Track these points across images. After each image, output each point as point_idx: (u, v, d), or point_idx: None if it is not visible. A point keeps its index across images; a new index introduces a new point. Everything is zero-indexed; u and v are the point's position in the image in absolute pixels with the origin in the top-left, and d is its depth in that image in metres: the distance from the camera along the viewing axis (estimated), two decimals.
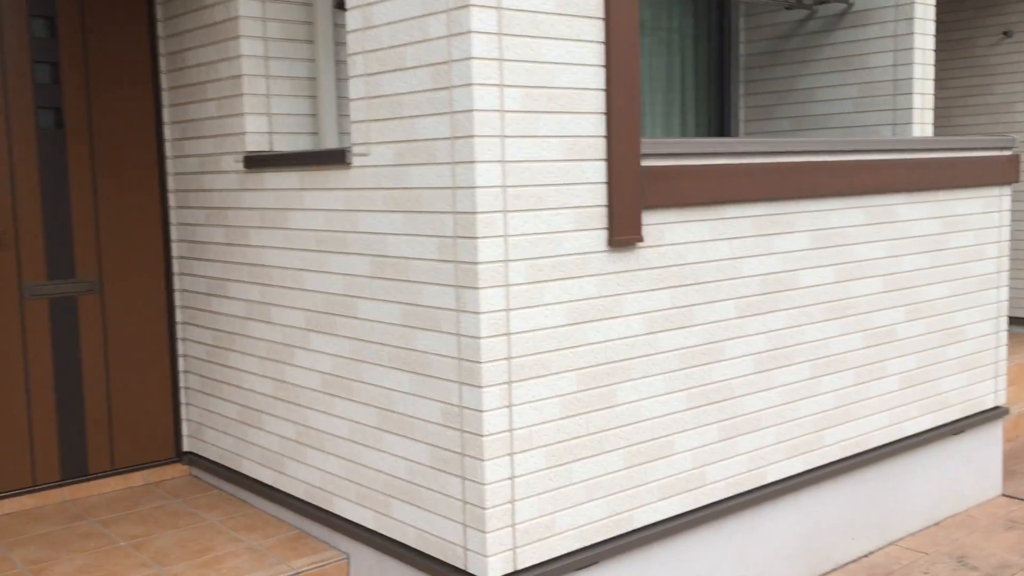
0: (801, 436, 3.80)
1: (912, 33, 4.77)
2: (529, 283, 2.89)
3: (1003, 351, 4.74)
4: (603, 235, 3.07)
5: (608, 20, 3.00)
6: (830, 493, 3.98)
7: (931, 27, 4.83)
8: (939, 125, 7.62)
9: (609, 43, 3.01)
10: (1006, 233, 4.70)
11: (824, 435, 3.90)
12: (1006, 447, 5.53)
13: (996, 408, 4.75)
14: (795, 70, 5.33)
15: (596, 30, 2.99)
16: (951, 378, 4.47)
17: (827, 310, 3.85)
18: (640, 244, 3.17)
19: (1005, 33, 7.17)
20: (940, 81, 7.63)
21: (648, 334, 3.23)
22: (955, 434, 4.53)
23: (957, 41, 7.50)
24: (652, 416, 3.27)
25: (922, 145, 4.18)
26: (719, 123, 5.58)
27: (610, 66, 3.02)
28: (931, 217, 4.28)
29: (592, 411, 3.10)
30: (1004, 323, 4.73)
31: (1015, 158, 4.65)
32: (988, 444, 4.77)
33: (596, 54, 3.00)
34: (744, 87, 5.59)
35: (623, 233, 3.09)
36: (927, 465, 4.44)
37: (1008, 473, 5.10)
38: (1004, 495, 4.81)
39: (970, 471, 4.69)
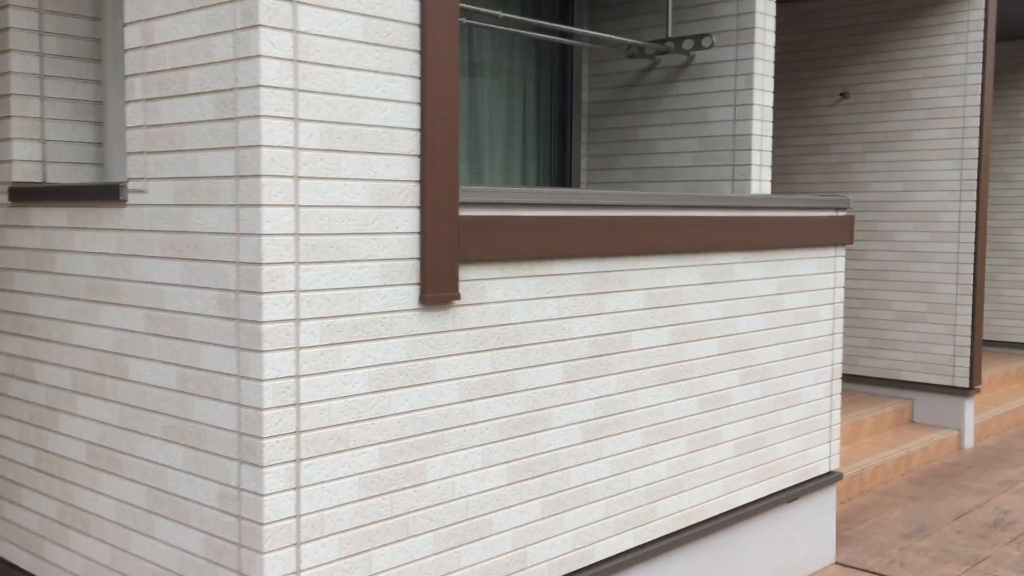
0: (632, 509, 3.55)
1: (751, 89, 4.70)
2: (324, 345, 2.53)
3: (837, 415, 4.66)
4: (414, 291, 2.74)
5: (424, 54, 2.70)
6: (662, 569, 3.74)
7: (770, 84, 4.78)
8: (778, 183, 7.71)
9: (425, 79, 2.71)
10: (840, 295, 4.64)
11: (657, 507, 3.66)
12: (839, 510, 5.48)
13: (830, 473, 4.66)
14: (638, 120, 5.19)
15: (411, 64, 2.68)
16: (786, 443, 4.34)
17: (661, 374, 3.64)
18: (457, 302, 2.86)
19: (842, 94, 7.33)
20: (780, 139, 7.74)
21: (464, 402, 2.91)
22: (790, 501, 4.39)
23: (797, 100, 7.63)
24: (467, 493, 2.94)
25: (760, 203, 4.06)
26: (561, 172, 5.38)
27: (426, 104, 2.72)
28: (767, 277, 4.15)
29: (398, 490, 2.74)
30: (838, 386, 4.66)
31: (849, 219, 4.61)
32: (822, 511, 4.66)
33: (410, 90, 2.69)
34: (587, 135, 5.43)
35: (437, 290, 2.77)
36: (762, 535, 4.28)
37: (841, 539, 5.02)
38: (837, 563, 4.71)
39: (804, 539, 4.56)
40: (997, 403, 7.72)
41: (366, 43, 2.58)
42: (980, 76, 6.70)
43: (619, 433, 3.47)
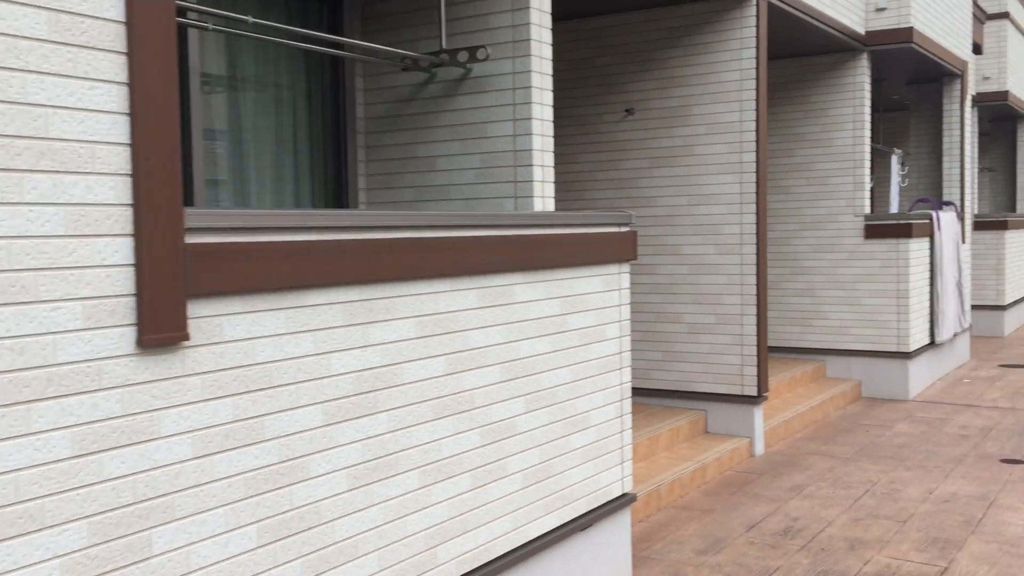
0: (409, 558, 3.25)
1: (530, 103, 4.54)
2: (7, 406, 2.09)
3: (628, 435, 4.55)
4: (130, 334, 2.34)
5: (133, 56, 2.32)
6: None
7: (549, 98, 4.64)
8: (571, 199, 7.67)
9: (135, 86, 2.33)
10: (626, 312, 4.55)
11: (438, 552, 3.38)
12: (637, 530, 5.40)
13: (624, 495, 4.54)
14: (417, 136, 4.94)
15: (115, 68, 2.29)
16: (577, 469, 4.18)
17: (438, 407, 3.37)
18: (187, 343, 2.48)
19: (627, 111, 7.38)
20: (571, 156, 7.71)
21: (200, 458, 2.52)
22: (583, 529, 4.23)
23: (586, 117, 7.63)
24: (208, 563, 2.55)
25: (539, 221, 3.88)
26: (337, 192, 5.05)
27: (137, 116, 2.33)
28: (550, 297, 3.98)
29: (114, 570, 2.32)
30: (628, 406, 4.55)
31: (632, 234, 4.53)
32: (617, 535, 4.54)
33: (115, 99, 2.30)
34: (365, 153, 5.12)
35: (159, 330, 2.38)
36: (555, 567, 4.09)
37: (638, 560, 4.92)
38: None
39: (600, 566, 4.41)
40: (785, 408, 7.98)
41: (53, 42, 2.17)
42: (754, 92, 6.89)
43: (392, 476, 3.17)
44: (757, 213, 6.94)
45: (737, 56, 6.94)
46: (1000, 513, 5.58)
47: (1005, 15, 13.67)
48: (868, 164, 9.34)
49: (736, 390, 7.07)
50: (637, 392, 7.46)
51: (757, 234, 6.95)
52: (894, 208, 10.87)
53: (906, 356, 9.16)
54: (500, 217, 3.62)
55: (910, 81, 11.41)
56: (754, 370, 6.99)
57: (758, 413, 7.10)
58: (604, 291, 4.36)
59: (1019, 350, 12.36)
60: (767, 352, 7.09)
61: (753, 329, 6.98)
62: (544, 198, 4.63)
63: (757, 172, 6.93)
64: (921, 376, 9.59)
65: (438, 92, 4.86)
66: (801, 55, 9.49)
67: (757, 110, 6.90)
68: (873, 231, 9.22)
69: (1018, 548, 4.99)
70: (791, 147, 9.60)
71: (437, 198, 4.88)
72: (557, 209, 7.70)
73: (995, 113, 15.12)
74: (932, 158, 11.45)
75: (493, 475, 3.65)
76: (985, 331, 13.82)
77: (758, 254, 6.95)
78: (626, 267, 4.54)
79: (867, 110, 9.30)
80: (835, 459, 6.94)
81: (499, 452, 3.68)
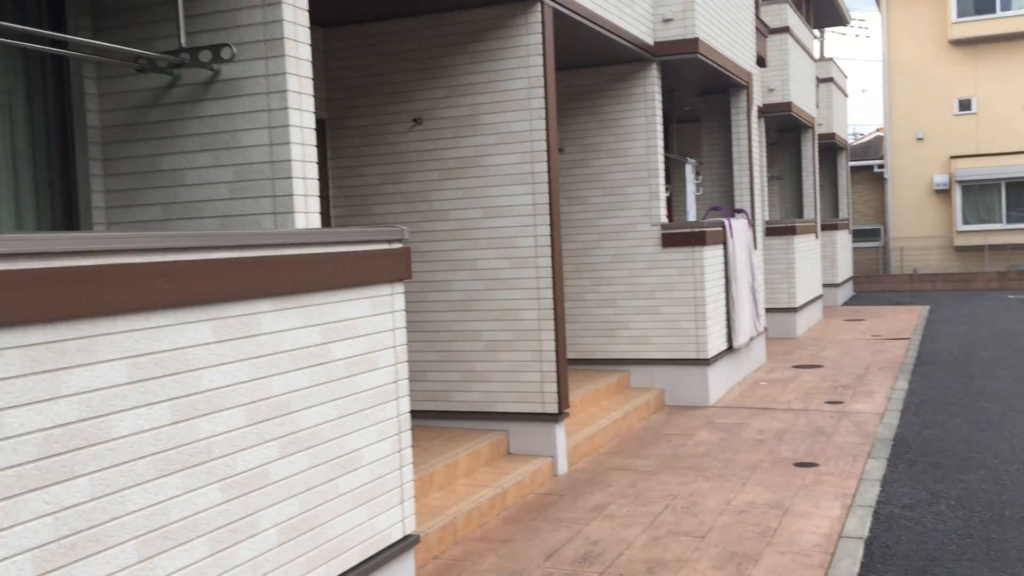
0: None
1: (287, 108, 4.08)
2: None
3: (409, 471, 4.16)
4: None
5: None
6: None
7: (309, 103, 4.20)
8: (356, 215, 7.23)
9: None
10: (402, 336, 4.16)
11: None
12: (429, 569, 5.01)
13: (406, 538, 4.14)
14: (161, 147, 4.37)
15: None
16: (347, 516, 3.74)
17: (162, 462, 2.85)
18: None
19: (415, 120, 7.02)
20: (357, 168, 7.27)
21: None
22: None
23: (372, 127, 7.22)
24: None
25: (290, 239, 3.43)
26: (67, 211, 4.39)
27: None
28: (308, 325, 3.53)
29: None
30: (408, 439, 4.16)
31: (404, 251, 4.15)
32: None
33: None
34: (103, 166, 4.49)
35: None
36: None
37: None
38: None
39: None
40: (588, 423, 7.82)
41: None
42: (543, 100, 6.69)
43: (99, 551, 2.63)
44: (551, 224, 6.73)
45: (524, 63, 6.72)
46: (794, 521, 5.56)
47: (786, 29, 14.31)
48: (662, 173, 9.40)
49: (537, 408, 6.82)
50: (436, 415, 7.09)
51: (552, 246, 6.73)
52: (691, 216, 11.05)
53: (705, 363, 9.25)
54: (236, 236, 3.14)
55: (700, 92, 11.67)
56: (554, 387, 6.77)
57: (560, 431, 6.87)
58: (374, 315, 3.95)
59: (810, 350, 12.88)
60: (567, 367, 6.89)
61: (552, 344, 6.75)
62: (308, 213, 4.18)
63: (549, 183, 6.72)
64: (720, 382, 9.73)
65: (184, 97, 4.31)
66: (593, 65, 9.45)
67: (547, 119, 6.69)
68: (670, 240, 9.27)
69: (811, 558, 4.94)
70: (587, 157, 9.54)
71: (187, 216, 4.33)
72: (339, 226, 7.23)
73: (781, 123, 15.82)
74: (724, 167, 11.74)
75: (240, 534, 3.15)
76: (779, 333, 14.37)
77: (553, 267, 6.74)
78: (400, 287, 4.15)
79: (659, 120, 9.35)
80: (637, 473, 6.81)
81: (247, 507, 3.19)
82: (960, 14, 24.11)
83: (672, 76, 10.20)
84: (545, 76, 6.67)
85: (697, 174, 11.81)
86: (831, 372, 10.99)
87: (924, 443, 7.51)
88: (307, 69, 4.18)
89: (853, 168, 25.54)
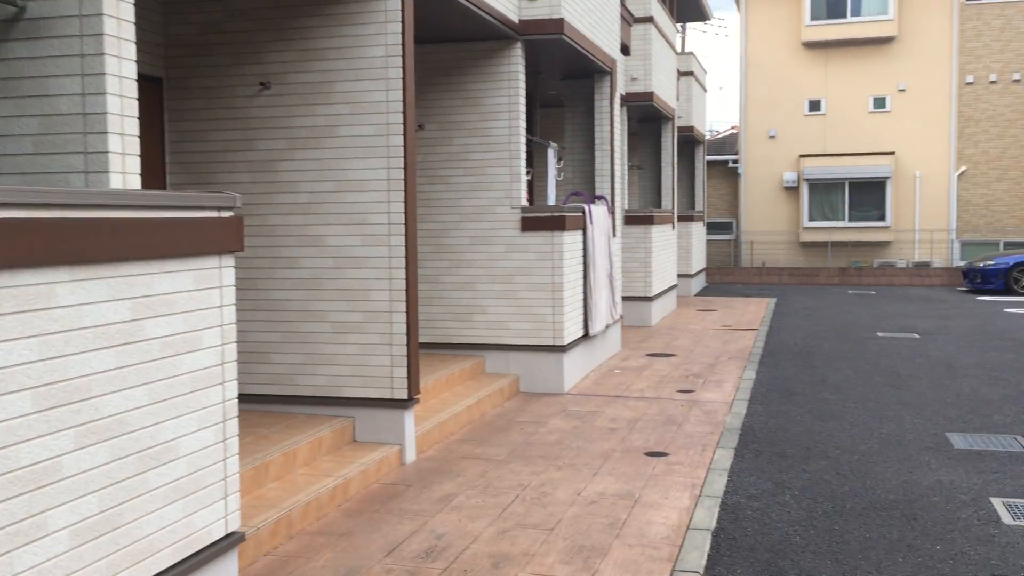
0: None
1: (103, 54, 3.62)
2: None
3: (234, 463, 3.78)
4: None
5: None
6: None
7: (131, 50, 3.74)
8: (201, 183, 6.71)
9: None
10: (230, 314, 3.77)
11: None
12: (259, 566, 4.63)
13: (229, 536, 3.76)
14: None
15: None
16: (158, 514, 3.34)
17: None
18: None
19: (263, 84, 6.55)
20: (201, 133, 6.74)
21: None
22: None
23: (216, 89, 6.70)
24: None
25: (91, 200, 3.00)
26: None
27: None
28: (115, 299, 3.11)
29: None
30: (234, 427, 3.78)
31: (236, 221, 3.76)
32: None
33: None
34: None
35: None
36: None
37: None
38: None
39: None
40: (440, 409, 7.56)
41: None
42: (401, 70, 6.35)
43: None
44: (406, 202, 6.41)
45: (382, 30, 6.36)
46: (644, 512, 5.46)
47: (650, 19, 14.39)
48: (524, 155, 9.20)
49: (386, 393, 6.51)
50: (279, 400, 6.67)
51: (406, 224, 6.42)
52: (551, 201, 10.92)
53: (561, 350, 9.13)
54: (22, 193, 2.70)
55: (565, 76, 11.55)
56: (404, 371, 6.47)
57: (409, 418, 6.58)
58: (197, 290, 3.55)
59: (664, 339, 13.03)
60: (419, 352, 6.60)
61: (403, 328, 6.45)
62: (126, 174, 3.72)
63: (405, 157, 6.39)
64: (576, 369, 9.65)
65: None
66: (457, 40, 9.15)
67: (404, 90, 6.36)
68: (529, 224, 9.10)
69: (659, 551, 4.83)
70: (449, 135, 9.25)
71: None
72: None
73: (643, 113, 15.94)
74: (586, 153, 11.68)
75: (23, 538, 2.73)
76: (635, 321, 14.50)
77: (407, 246, 6.43)
78: (229, 260, 3.76)
79: (522, 100, 9.15)
80: (488, 462, 6.60)
81: (32, 506, 2.76)
82: (813, 18, 25.04)
83: (537, 57, 10.02)
84: (403, 45, 6.34)
85: (559, 159, 11.71)
86: (683, 361, 11.11)
87: (770, 432, 7.61)
88: (128, 12, 3.71)
89: (709, 162, 26.22)
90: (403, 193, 6.40)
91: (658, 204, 17.23)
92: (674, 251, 16.91)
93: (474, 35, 8.93)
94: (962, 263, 23.75)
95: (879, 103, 24.92)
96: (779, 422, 8.01)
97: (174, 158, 6.81)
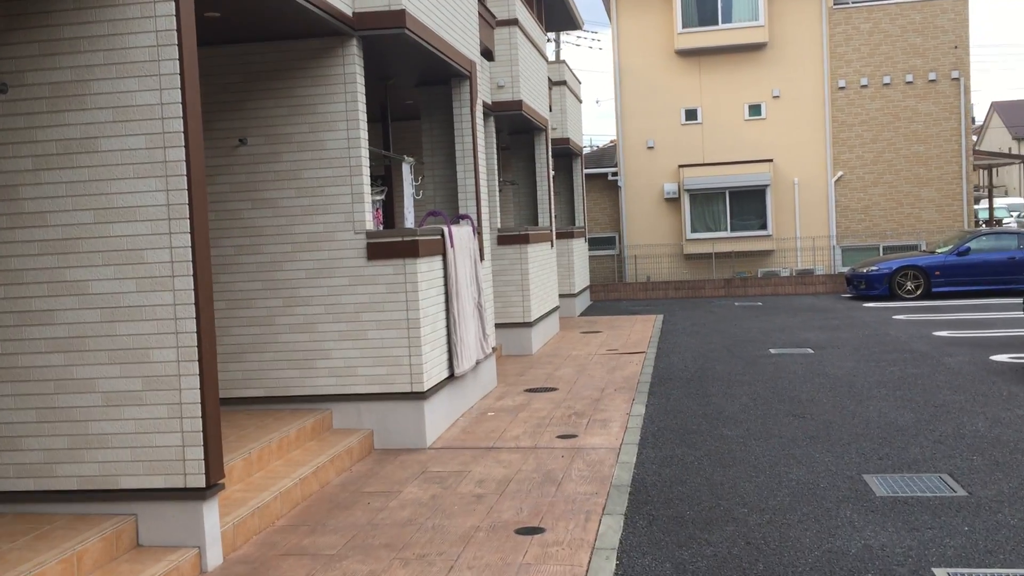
0: None
1: None
2: None
3: None
4: None
5: None
6: None
7: None
8: None
9: None
10: None
11: None
12: None
13: None
14: None
15: None
16: None
17: None
18: None
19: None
20: None
21: None
22: None
23: None
24: None
25: None
26: None
27: None
28: None
29: None
30: None
31: None
32: None
33: None
34: None
35: None
36: None
37: None
38: None
39: None
40: (265, 486, 6.09)
41: None
42: (178, 63, 4.92)
43: None
44: (193, 232, 4.97)
45: (150, 12, 4.92)
46: None
47: (515, 22, 13.25)
48: (367, 171, 7.84)
49: (178, 482, 5.03)
50: (35, 498, 5.10)
51: (195, 261, 4.97)
52: (408, 223, 9.58)
53: (420, 396, 7.78)
54: None
55: (420, 82, 10.25)
56: (200, 451, 5.01)
57: (210, 510, 5.11)
58: None
59: (545, 370, 11.82)
60: (219, 424, 5.14)
61: (196, 395, 4.99)
62: None
63: (189, 175, 4.95)
64: (440, 417, 8.30)
65: None
66: (281, 38, 7.75)
67: (184, 88, 4.92)
68: (376, 251, 7.73)
69: None
70: (276, 151, 7.81)
71: None
72: None
73: (513, 124, 14.79)
74: (448, 167, 10.40)
75: None
76: (514, 350, 13.27)
77: (197, 289, 4.98)
78: None
79: (362, 107, 7.79)
80: (316, 559, 5.18)
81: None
82: (684, 25, 24.50)
83: (383, 59, 8.69)
84: (180, 30, 4.90)
85: (419, 176, 10.39)
86: (565, 396, 9.90)
87: (665, 488, 6.43)
88: None
89: (589, 175, 25.35)
90: (188, 222, 4.95)
91: (535, 221, 16.10)
92: (554, 270, 15.79)
93: (301, 31, 7.55)
94: (844, 269, 23.48)
95: (755, 110, 24.54)
96: (675, 472, 6.84)
97: None
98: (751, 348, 13.22)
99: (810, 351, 12.65)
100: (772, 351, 12.81)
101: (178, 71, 4.90)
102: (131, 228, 4.97)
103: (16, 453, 5.09)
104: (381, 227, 9.11)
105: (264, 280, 7.83)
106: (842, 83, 24.19)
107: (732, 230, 24.33)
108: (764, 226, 24.18)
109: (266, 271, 7.83)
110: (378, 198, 9.08)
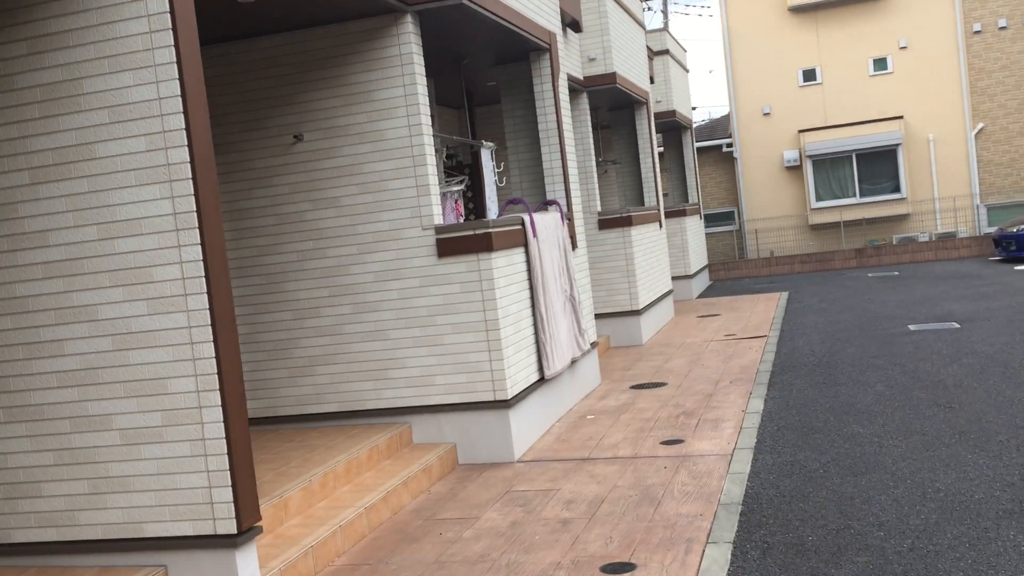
0: None
1: None
2: None
3: None
4: None
5: None
6: None
7: None
8: None
9: None
10: None
11: None
12: None
13: None
14: None
15: None
16: None
17: None
18: None
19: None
20: None
21: None
22: None
23: None
24: None
25: None
26: None
27: None
28: None
29: None
30: None
31: None
32: None
33: None
34: None
35: None
36: None
37: None
38: None
39: None
40: (325, 519, 5.45)
41: None
42: (174, 51, 4.28)
43: None
44: (204, 244, 4.34)
45: None
46: None
47: None
48: (432, 160, 7.11)
49: (207, 528, 4.42)
50: (55, 549, 4.59)
51: (208, 276, 4.34)
52: (491, 214, 8.83)
53: (505, 405, 7.02)
54: None
55: (497, 61, 9.47)
56: (228, 492, 4.38)
57: (246, 559, 4.47)
58: None
59: (655, 362, 10.88)
60: (250, 460, 4.51)
61: (220, 429, 4.36)
62: None
63: (195, 178, 4.32)
64: (530, 425, 7.52)
65: None
66: (332, 21, 7.10)
67: (182, 79, 4.29)
68: (447, 247, 7.00)
69: None
70: (335, 144, 7.18)
71: None
72: None
73: (611, 100, 13.84)
74: (532, 150, 9.59)
75: None
76: (623, 340, 12.37)
77: (213, 308, 4.35)
78: None
79: (422, 90, 7.06)
80: None
81: None
82: None
83: (448, 36, 7.95)
84: (173, 10, 4.25)
85: (500, 162, 9.63)
86: (674, 392, 8.96)
87: (783, 505, 5.47)
88: None
89: (701, 149, 24.06)
90: (198, 232, 4.32)
91: (642, 202, 15.10)
92: (664, 252, 14.77)
93: (351, 11, 6.88)
94: (991, 230, 21.47)
95: (880, 64, 22.71)
96: (795, 483, 5.86)
97: None
98: (887, 325, 11.91)
99: (955, 325, 11.27)
100: (911, 327, 11.49)
101: (174, 59, 4.26)
102: (137, 243, 4.38)
103: (36, 500, 4.59)
104: (462, 221, 8.38)
105: (331, 286, 7.22)
106: (977, 27, 22.09)
107: (861, 195, 22.63)
108: (897, 188, 22.38)
109: (332, 276, 7.22)
110: (456, 189, 8.36)
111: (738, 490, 5.81)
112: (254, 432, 7.21)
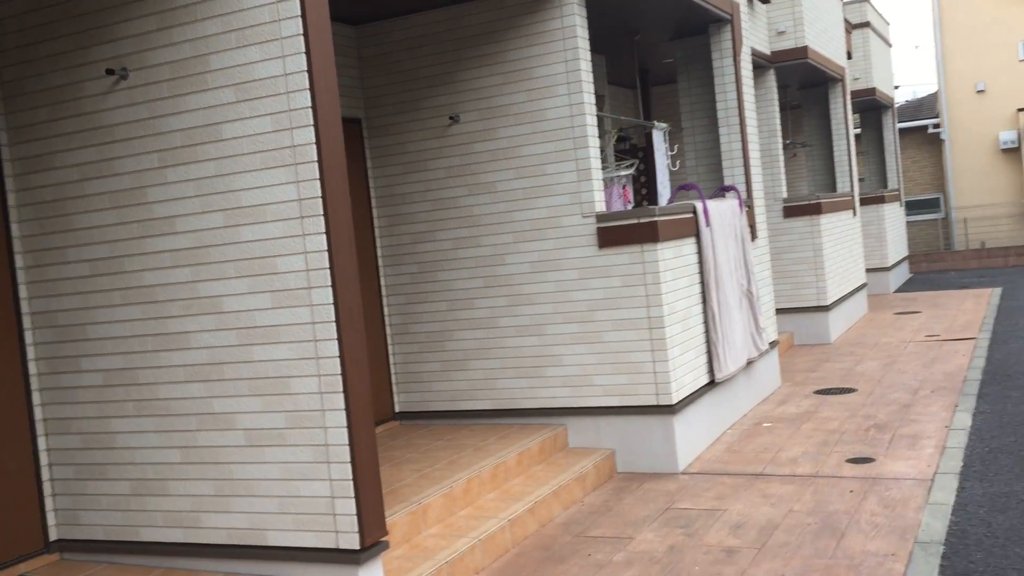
0: None
1: None
2: None
3: None
4: None
5: None
6: None
7: None
8: (49, 231, 4.56)
9: None
10: None
11: None
12: None
13: None
14: None
15: None
16: None
17: None
18: None
19: (110, 71, 4.32)
20: (46, 158, 4.60)
21: None
22: None
23: (60, 87, 4.54)
24: None
25: None
26: None
27: None
28: None
29: None
30: None
31: None
32: None
33: None
34: None
35: None
36: None
37: None
38: None
39: None
40: (465, 530, 5.04)
41: None
42: (300, 22, 3.93)
43: None
44: (328, 232, 3.98)
45: None
46: None
47: None
48: (594, 143, 6.55)
49: (328, 541, 4.08)
50: (180, 551, 4.39)
51: (332, 267, 3.98)
52: (663, 200, 8.18)
53: (669, 410, 6.39)
54: None
55: (674, 35, 8.77)
56: (351, 504, 4.02)
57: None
58: None
59: (845, 363, 9.88)
60: (376, 470, 4.13)
61: (343, 435, 4.00)
62: None
63: (321, 161, 3.96)
64: (698, 433, 6.84)
65: None
66: None
67: (309, 54, 3.93)
68: (609, 237, 6.44)
69: None
70: (491, 126, 6.75)
71: None
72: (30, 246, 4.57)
73: (802, 77, 12.77)
74: (710, 132, 8.83)
75: None
76: (808, 338, 11.38)
77: (338, 302, 3.98)
78: None
79: (585, 65, 6.51)
80: None
81: None
82: None
83: (619, 6, 7.35)
84: None
85: (674, 144, 8.93)
86: (865, 400, 8.02)
87: (996, 548, 4.59)
88: None
89: (903, 130, 22.20)
90: (323, 219, 3.96)
91: (833, 187, 13.92)
92: (858, 243, 13.55)
93: None
94: None
95: None
96: (1011, 521, 4.94)
97: (21, 198, 4.70)
98: None
99: None
100: None
101: (301, 31, 3.91)
102: (261, 231, 4.08)
103: (163, 499, 4.41)
104: (630, 208, 7.78)
105: (485, 276, 6.82)
106: None
107: None
108: None
109: (487, 266, 6.81)
110: (624, 173, 7.76)
111: (940, 525, 4.96)
112: (405, 427, 6.93)
